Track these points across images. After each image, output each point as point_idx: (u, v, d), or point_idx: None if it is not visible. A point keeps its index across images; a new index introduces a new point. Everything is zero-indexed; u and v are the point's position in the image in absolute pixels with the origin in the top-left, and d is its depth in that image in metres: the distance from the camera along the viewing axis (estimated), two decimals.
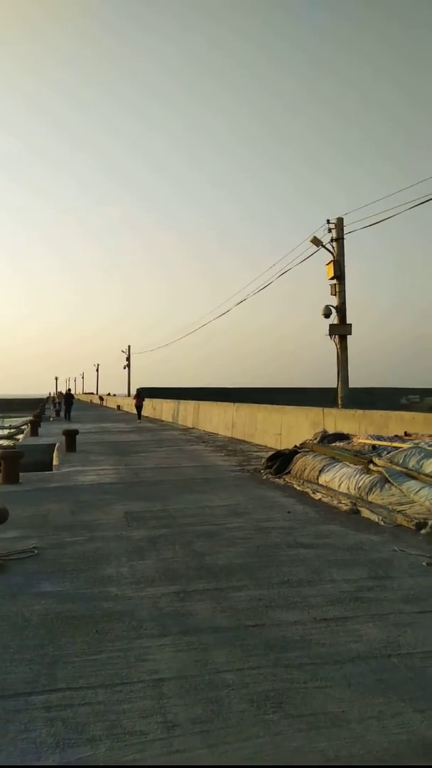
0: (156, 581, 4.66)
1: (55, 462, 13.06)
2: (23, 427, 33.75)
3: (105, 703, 2.84)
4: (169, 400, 32.23)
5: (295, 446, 11.02)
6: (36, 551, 5.45)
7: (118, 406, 51.45)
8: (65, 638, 3.59)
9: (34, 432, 21.50)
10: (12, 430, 43.85)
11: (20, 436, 26.06)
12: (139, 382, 59.46)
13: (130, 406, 35.86)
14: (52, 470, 11.98)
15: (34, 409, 45.12)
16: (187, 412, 26.41)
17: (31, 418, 25.29)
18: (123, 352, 61.30)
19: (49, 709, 2.77)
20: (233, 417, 19.30)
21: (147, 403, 35.49)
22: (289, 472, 9.87)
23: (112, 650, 3.42)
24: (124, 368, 61.13)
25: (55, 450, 14.93)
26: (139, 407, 31.58)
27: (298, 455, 10.14)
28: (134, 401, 33.00)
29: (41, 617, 3.92)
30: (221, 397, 30.72)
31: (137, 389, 39.19)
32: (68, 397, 34.25)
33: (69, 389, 38.55)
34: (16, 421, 54.27)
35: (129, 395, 53.41)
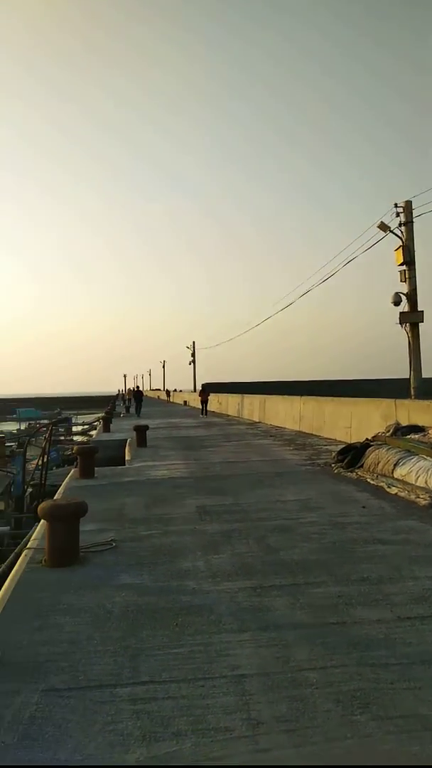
0: (232, 576, 4.64)
1: (127, 457, 13.35)
2: (96, 423, 34.77)
3: (188, 697, 2.84)
4: (234, 395, 32.27)
5: (367, 439, 10.73)
6: (114, 544, 5.56)
7: (185, 402, 52.05)
8: (146, 631, 3.63)
9: (106, 428, 22.09)
10: (86, 427, 45.25)
11: (93, 432, 26.86)
12: (204, 378, 59.92)
13: (196, 401, 36.16)
14: (125, 465, 12.25)
15: (106, 406, 46.40)
16: (253, 407, 26.34)
17: (103, 414, 26.00)
18: (188, 348, 61.93)
19: (134, 701, 2.80)
20: (300, 410, 19.06)
21: (213, 398, 35.70)
22: (361, 466, 9.62)
23: (192, 644, 3.42)
24: (190, 364, 61.76)
25: (127, 445, 15.26)
26: (204, 402, 31.83)
27: (370, 448, 9.87)
28: (199, 397, 33.28)
29: (122, 609, 3.98)
30: (287, 391, 30.43)
31: (202, 384, 39.49)
32: (138, 394, 35.38)
33: (138, 386, 39.50)
34: (89, 417, 55.97)
35: (195, 391, 53.90)
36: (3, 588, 4.49)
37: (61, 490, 9.00)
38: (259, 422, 23.82)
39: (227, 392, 36.58)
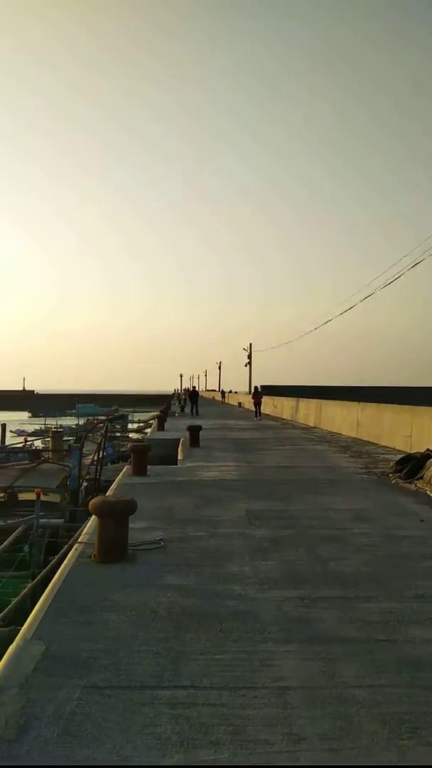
0: (279, 583, 4.55)
1: (180, 456, 13.43)
2: (151, 421, 35.30)
3: (229, 706, 2.78)
4: (289, 398, 31.96)
5: (428, 450, 10.34)
6: (162, 543, 5.58)
7: (240, 404, 52.01)
8: (190, 634, 3.59)
9: (160, 427, 22.34)
10: (141, 424, 46.00)
11: (148, 430, 27.24)
12: (260, 380, 59.66)
13: (251, 403, 36.07)
14: (177, 464, 12.32)
15: (161, 404, 47.00)
16: (308, 411, 25.99)
17: (158, 413, 26.31)
18: (244, 350, 61.88)
19: (174, 705, 2.76)
20: (358, 417, 18.64)
21: (268, 400, 35.50)
22: (420, 477, 9.28)
23: (236, 651, 3.37)
24: (246, 366, 61.68)
25: (180, 445, 15.36)
26: (257, 404, 31.72)
27: (431, 459, 9.51)
28: (252, 399, 33.18)
29: (167, 610, 3.97)
30: (344, 396, 29.86)
31: (255, 387, 39.34)
32: (194, 394, 35.81)
33: (194, 387, 39.89)
34: (144, 415, 56.87)
35: (250, 392, 53.79)
36: (53, 581, 4.57)
37: (113, 486, 9.14)
38: (314, 427, 23.49)
39: (282, 395, 36.27)
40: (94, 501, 5.10)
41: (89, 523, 6.46)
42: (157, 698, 2.83)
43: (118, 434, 34.67)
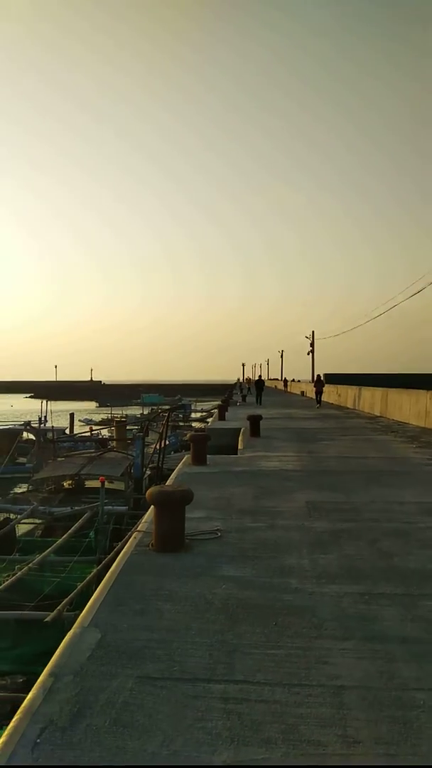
0: (339, 578, 4.43)
1: (240, 446, 13.40)
2: (213, 411, 35.52)
3: (282, 703, 2.72)
4: (353, 387, 31.26)
5: None
6: (219, 533, 5.56)
7: (302, 392, 51.42)
8: (244, 626, 3.55)
9: (221, 416, 22.40)
10: (203, 414, 46.38)
11: (210, 420, 27.40)
12: (323, 368, 58.67)
13: (313, 392, 35.56)
14: (237, 454, 12.30)
15: (223, 394, 47.17)
16: (374, 400, 25.32)
17: (219, 402, 26.41)
18: (307, 338, 60.99)
19: (226, 700, 2.73)
20: (426, 406, 17.97)
21: (331, 389, 34.85)
22: None
23: (291, 647, 3.29)
24: (308, 354, 60.82)
25: (241, 434, 15.33)
26: (319, 393, 31.25)
27: None
28: (314, 387, 32.71)
29: (222, 601, 3.94)
30: (412, 384, 28.89)
31: (316, 375, 38.75)
32: (259, 383, 35.84)
33: (260, 376, 39.78)
34: (207, 405, 57.32)
35: (312, 381, 53.01)
36: (111, 569, 4.64)
37: (173, 475, 9.22)
38: (380, 416, 22.86)
39: (347, 383, 35.53)
40: (150, 490, 5.14)
41: (148, 511, 6.54)
42: (209, 692, 2.80)
43: (181, 423, 35.12)
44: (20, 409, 62.31)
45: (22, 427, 25.83)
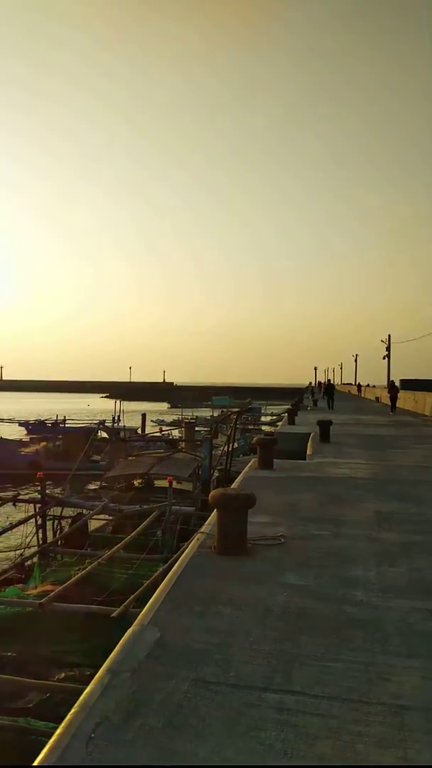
0: (406, 593, 4.25)
1: (308, 451, 13.20)
2: (283, 414, 35.26)
3: (339, 719, 2.63)
4: (430, 393, 30.04)
5: None
6: (283, 540, 5.48)
7: (377, 398, 50.00)
8: (305, 636, 3.48)
9: (291, 420, 22.17)
10: (273, 417, 46.12)
11: (279, 424, 27.20)
12: (401, 373, 56.88)
13: (387, 398, 34.49)
14: (305, 459, 12.12)
15: (294, 397, 46.71)
16: None
17: (289, 406, 26.16)
18: (383, 341, 59.29)
19: (281, 711, 2.67)
20: None
21: (408, 395, 33.69)
22: None
23: (352, 661, 3.19)
24: (384, 358, 59.09)
25: (310, 439, 15.10)
26: (393, 399, 30.28)
27: None
28: (388, 393, 31.75)
29: (283, 609, 3.88)
30: None
31: (390, 380, 37.57)
32: (329, 388, 35.19)
33: (329, 380, 39.18)
34: (277, 408, 56.99)
35: (387, 387, 51.38)
36: (173, 569, 4.69)
37: (239, 479, 9.21)
38: None
39: (425, 390, 34.20)
40: (213, 493, 5.15)
41: (212, 514, 6.55)
42: (264, 701, 2.76)
43: (251, 426, 35.06)
44: (96, 408, 64.41)
45: (97, 426, 26.69)
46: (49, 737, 4.29)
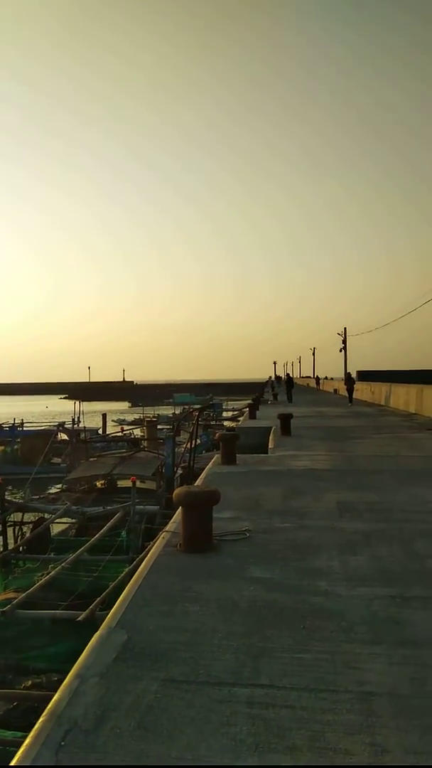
0: (369, 581, 4.34)
1: (270, 445, 13.32)
2: (244, 409, 35.51)
3: (308, 709, 2.67)
4: (386, 384, 30.78)
5: None
6: (248, 534, 5.52)
7: (335, 390, 50.87)
8: (272, 630, 3.50)
9: (252, 415, 22.33)
10: (235, 413, 46.36)
11: (241, 419, 27.36)
12: (356, 366, 57.92)
13: (345, 390, 35.14)
14: (267, 453, 12.22)
15: (255, 392, 47.07)
16: (408, 396, 24.86)
17: (249, 401, 26.34)
18: (339, 334, 60.28)
19: (252, 705, 2.69)
20: None
21: (364, 386, 34.42)
22: None
23: (318, 651, 3.23)
24: (340, 351, 60.12)
25: (271, 433, 15.24)
26: (350, 391, 30.94)
27: None
28: (344, 385, 32.43)
29: (250, 603, 3.90)
30: None
31: (346, 373, 38.32)
32: (289, 381, 35.66)
33: (288, 374, 39.67)
34: (238, 403, 57.29)
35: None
36: (139, 569, 4.65)
37: (202, 475, 9.22)
38: (415, 414, 22.43)
39: (380, 381, 34.99)
40: (177, 491, 5.14)
41: (176, 512, 6.54)
42: (234, 696, 2.77)
43: (213, 422, 35.16)
44: (55, 410, 63.39)
45: (56, 428, 26.24)
46: (18, 747, 4.22)
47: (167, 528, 5.80)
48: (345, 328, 59.89)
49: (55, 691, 5.15)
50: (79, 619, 6.66)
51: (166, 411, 52.78)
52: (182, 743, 2.39)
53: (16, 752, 4.34)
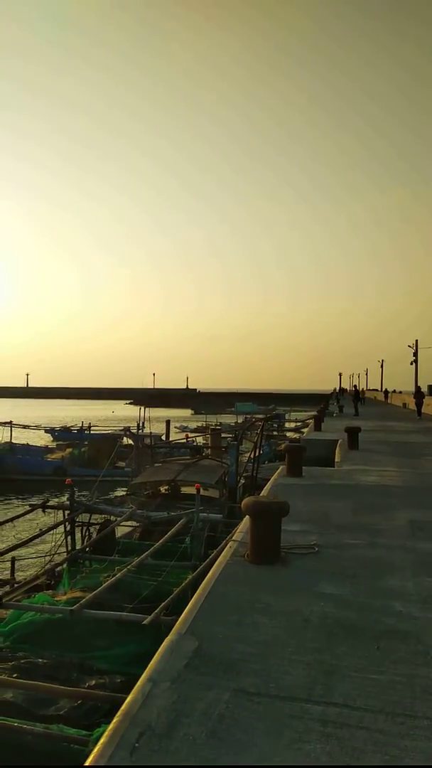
0: None
1: (337, 458, 13.07)
2: (308, 421, 35.06)
3: (385, 732, 2.58)
4: None
5: None
6: (316, 549, 5.42)
7: (404, 404, 49.39)
8: (343, 648, 3.42)
9: (317, 427, 22.01)
10: (298, 424, 45.91)
11: (305, 430, 27.03)
12: (427, 380, 56.05)
13: (414, 404, 34.03)
14: (333, 466, 12.00)
15: (319, 404, 46.41)
16: None
17: (314, 413, 25.98)
18: (410, 347, 58.53)
19: (325, 723, 2.63)
20: None
21: None
22: None
23: (394, 673, 3.12)
24: (411, 364, 58.33)
25: (338, 446, 14.95)
26: (419, 405, 29.93)
27: None
28: (413, 399, 31.41)
29: (320, 619, 3.83)
30: None
31: (417, 386, 37.12)
32: (356, 394, 34.98)
33: (355, 386, 38.91)
34: (302, 414, 56.68)
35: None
36: (207, 577, 4.66)
37: (268, 486, 9.14)
38: None
39: None
40: (246, 501, 5.12)
41: (243, 521, 6.51)
42: (307, 713, 2.71)
43: (275, 433, 34.91)
44: (120, 415, 64.87)
45: (122, 433, 26.82)
46: (82, 744, 4.30)
47: (234, 537, 5.78)
48: (416, 341, 58.08)
49: (120, 692, 5.24)
50: (144, 622, 6.74)
51: (228, 419, 52.90)
52: (254, 755, 2.36)
53: (78, 749, 4.43)
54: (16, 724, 4.69)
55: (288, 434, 33.00)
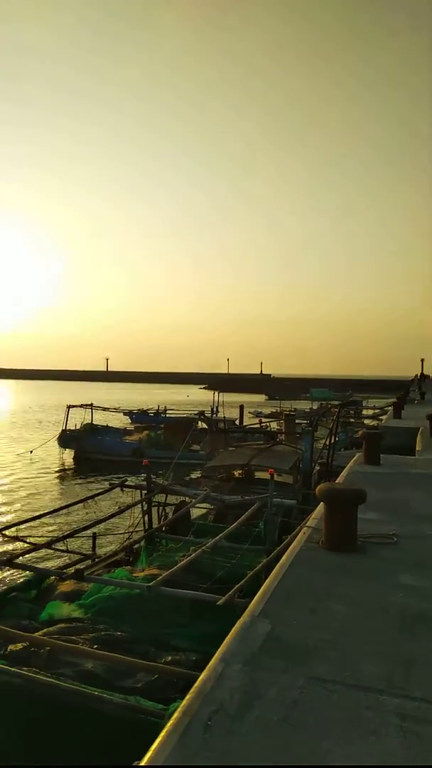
0: None
1: (418, 447, 12.61)
2: (387, 408, 34.05)
3: None
4: None
5: None
6: (395, 539, 5.25)
7: None
8: (424, 642, 3.29)
9: (397, 414, 21.32)
10: (376, 411, 44.69)
11: (384, 417, 26.27)
12: None
13: None
14: (414, 456, 11.58)
15: (398, 391, 44.97)
16: None
17: (394, 399, 25.17)
18: None
19: (404, 717, 2.54)
20: None
21: None
22: None
23: None
24: None
25: (419, 434, 14.42)
26: None
27: None
28: None
29: (399, 611, 3.70)
30: None
31: None
32: None
33: None
34: (380, 402, 55.08)
35: None
36: (280, 562, 4.63)
37: (344, 473, 8.96)
38: None
39: None
40: (321, 487, 5.03)
41: (318, 508, 6.41)
42: (383, 705, 2.63)
43: (352, 420, 34.16)
44: (195, 399, 65.73)
45: (197, 417, 27.17)
46: (158, 717, 4.42)
47: (308, 523, 5.71)
48: None
49: (194, 670, 5.33)
50: (218, 603, 6.82)
51: (303, 405, 52.29)
52: (329, 744, 2.32)
53: (155, 721, 4.55)
54: (96, 693, 4.88)
55: (365, 421, 32.19)
